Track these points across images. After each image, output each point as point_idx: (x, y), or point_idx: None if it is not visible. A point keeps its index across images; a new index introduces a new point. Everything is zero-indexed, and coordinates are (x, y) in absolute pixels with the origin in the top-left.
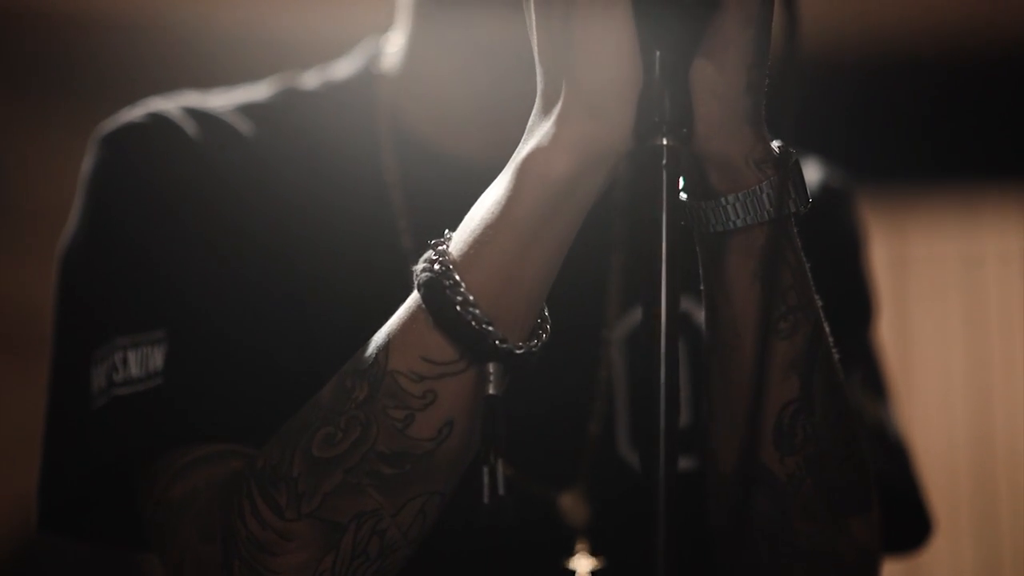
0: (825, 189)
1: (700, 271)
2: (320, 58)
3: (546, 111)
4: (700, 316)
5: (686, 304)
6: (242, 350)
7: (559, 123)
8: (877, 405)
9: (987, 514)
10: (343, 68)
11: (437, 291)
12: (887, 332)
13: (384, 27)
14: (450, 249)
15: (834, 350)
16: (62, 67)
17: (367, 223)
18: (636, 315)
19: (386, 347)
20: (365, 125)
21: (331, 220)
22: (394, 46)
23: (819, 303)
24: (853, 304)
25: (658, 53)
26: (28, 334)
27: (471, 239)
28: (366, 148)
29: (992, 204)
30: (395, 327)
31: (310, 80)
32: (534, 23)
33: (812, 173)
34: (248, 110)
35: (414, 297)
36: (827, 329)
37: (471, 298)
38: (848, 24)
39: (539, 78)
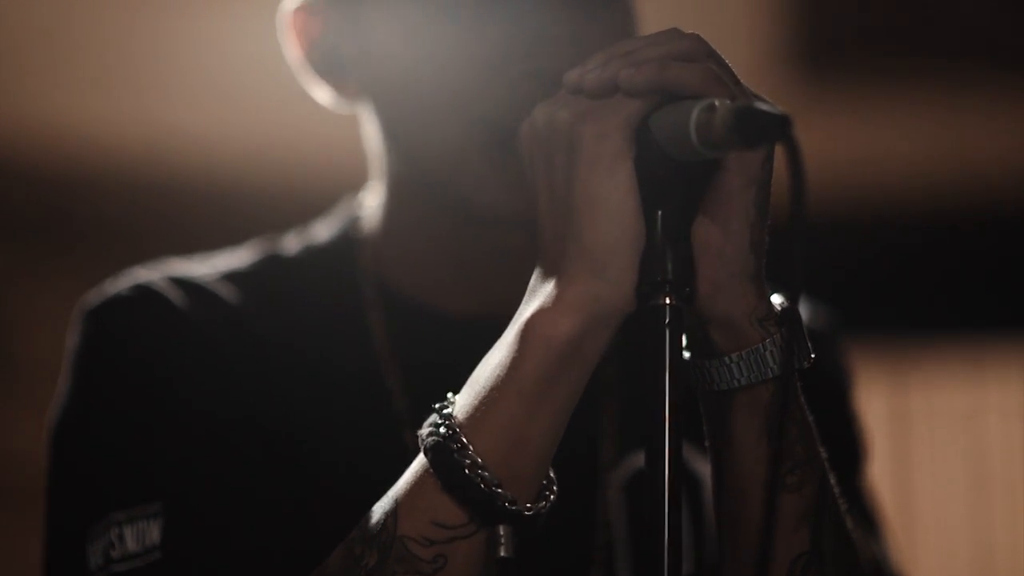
0: (810, 333)
1: (705, 427)
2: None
3: (549, 271)
4: (697, 464)
5: (685, 452)
6: (238, 519)
7: (562, 283)
8: (871, 541)
9: None
10: (322, 231)
11: (445, 454)
12: (888, 486)
13: (361, 181)
14: (455, 412)
15: (840, 499)
16: (62, 222)
17: (357, 386)
18: (633, 461)
19: (394, 512)
20: (349, 289)
21: (321, 385)
22: (369, 207)
23: (824, 454)
24: (844, 446)
25: (660, 213)
26: (25, 486)
27: (477, 402)
28: (351, 311)
29: (993, 359)
30: (402, 492)
31: (290, 245)
32: (537, 184)
33: None
34: (232, 278)
35: (420, 461)
36: (832, 479)
37: (480, 460)
38: (850, 179)
39: (541, 238)
